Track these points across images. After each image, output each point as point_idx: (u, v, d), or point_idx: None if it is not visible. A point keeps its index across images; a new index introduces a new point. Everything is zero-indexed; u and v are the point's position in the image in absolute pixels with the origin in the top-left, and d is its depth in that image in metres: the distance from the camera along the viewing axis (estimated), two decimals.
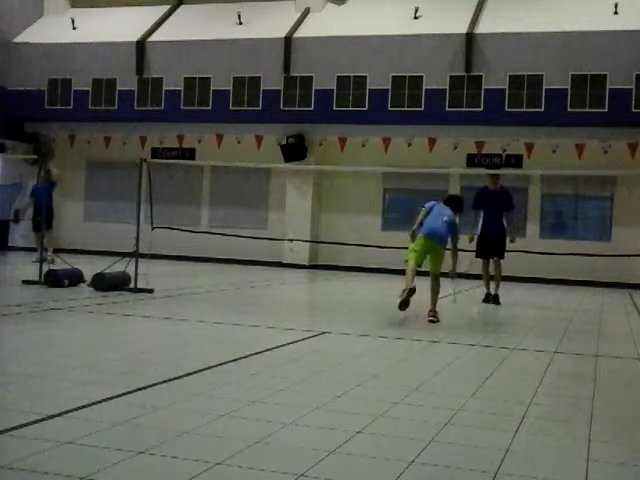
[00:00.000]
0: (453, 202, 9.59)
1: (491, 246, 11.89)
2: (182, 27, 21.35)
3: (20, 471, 3.12)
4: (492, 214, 11.80)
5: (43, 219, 13.71)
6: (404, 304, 8.72)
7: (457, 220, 9.35)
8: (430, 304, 9.03)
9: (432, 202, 9.51)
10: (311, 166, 19.23)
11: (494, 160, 19.03)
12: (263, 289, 13.82)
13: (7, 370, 5.22)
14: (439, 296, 9.26)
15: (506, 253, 12.13)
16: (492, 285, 12.01)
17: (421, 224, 9.26)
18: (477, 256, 12.07)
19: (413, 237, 9.17)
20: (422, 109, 18.66)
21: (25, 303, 9.15)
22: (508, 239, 11.79)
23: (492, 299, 11.85)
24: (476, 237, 11.97)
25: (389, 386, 5.27)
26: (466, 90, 18.39)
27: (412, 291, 8.77)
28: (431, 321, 8.89)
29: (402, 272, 8.81)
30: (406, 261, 9.08)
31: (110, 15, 22.38)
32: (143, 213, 11.54)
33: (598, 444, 3.96)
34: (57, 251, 15.26)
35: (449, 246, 9.23)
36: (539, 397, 5.07)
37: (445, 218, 9.09)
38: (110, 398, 4.40)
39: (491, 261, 12.10)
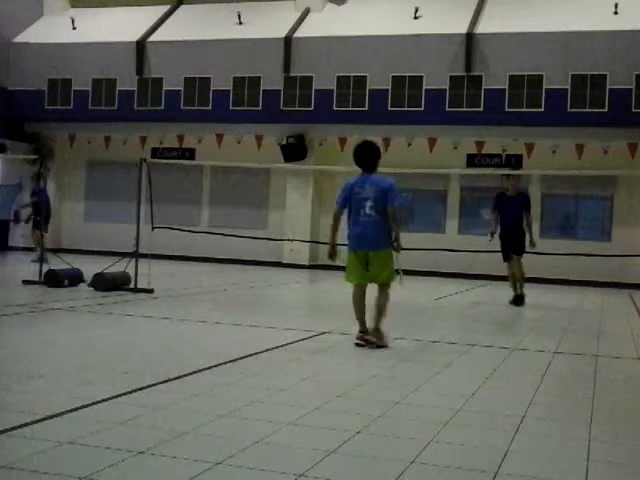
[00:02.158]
0: (365, 160, 6.96)
1: (509, 245, 12.03)
2: (182, 27, 21.36)
3: (20, 471, 3.12)
4: (510, 219, 11.91)
5: (44, 219, 13.72)
6: (361, 345, 6.84)
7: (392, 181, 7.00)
8: (374, 320, 6.95)
9: (347, 186, 6.96)
10: (311, 166, 19.23)
11: (494, 160, 19.04)
12: (263, 289, 13.82)
13: (7, 370, 5.22)
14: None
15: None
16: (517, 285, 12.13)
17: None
18: (504, 260, 12.15)
19: (332, 255, 7.05)
20: (422, 109, 18.66)
21: (25, 303, 9.15)
22: (528, 242, 11.82)
23: (518, 300, 11.87)
24: (496, 238, 12.07)
25: (389, 386, 5.27)
26: (466, 90, 18.39)
27: (365, 330, 6.90)
28: (360, 344, 6.79)
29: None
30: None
31: (110, 15, 22.39)
32: (143, 213, 11.54)
33: (598, 444, 3.96)
34: (52, 251, 15.24)
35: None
36: (539, 397, 5.06)
37: (369, 204, 6.80)
38: (110, 398, 4.40)
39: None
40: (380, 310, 6.96)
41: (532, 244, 11.82)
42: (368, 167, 6.92)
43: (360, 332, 6.88)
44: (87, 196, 22.48)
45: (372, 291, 7.07)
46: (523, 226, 11.99)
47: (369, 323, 6.93)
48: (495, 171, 17.61)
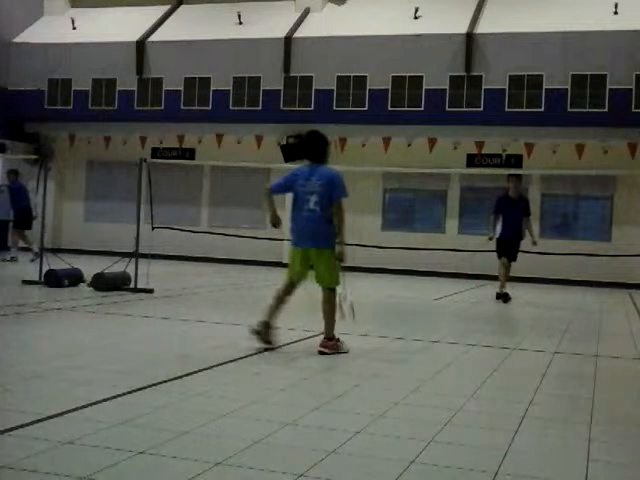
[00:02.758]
0: (312, 149, 6.56)
1: (507, 248, 12.43)
2: (182, 27, 21.36)
3: (20, 471, 3.12)
4: (511, 222, 12.29)
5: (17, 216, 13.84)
6: (264, 342, 6.41)
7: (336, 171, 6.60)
8: (324, 329, 6.58)
9: (292, 177, 6.52)
10: None
11: (494, 160, 19.04)
12: (263, 289, 13.81)
13: (7, 370, 5.22)
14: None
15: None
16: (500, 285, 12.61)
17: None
18: (499, 256, 12.56)
19: (276, 222, 6.59)
20: (422, 109, 18.66)
21: (25, 303, 9.15)
22: (531, 242, 12.21)
23: (503, 297, 12.38)
24: (495, 239, 12.47)
25: (389, 386, 5.27)
26: (466, 90, 18.39)
27: (267, 325, 6.50)
28: (322, 352, 6.36)
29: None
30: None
31: (110, 15, 22.39)
32: (143, 213, 11.54)
33: (598, 444, 3.96)
34: (52, 251, 15.26)
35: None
36: (539, 397, 5.06)
37: (314, 199, 6.33)
38: (110, 398, 4.40)
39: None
40: (327, 318, 6.54)
41: (534, 243, 12.15)
42: (316, 157, 6.49)
43: (259, 325, 6.42)
44: (87, 196, 22.48)
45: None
46: (522, 231, 12.37)
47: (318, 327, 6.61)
48: (495, 171, 17.65)
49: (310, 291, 7.08)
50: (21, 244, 16.74)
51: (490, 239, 12.35)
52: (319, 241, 6.40)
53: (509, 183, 12.50)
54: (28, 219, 16.21)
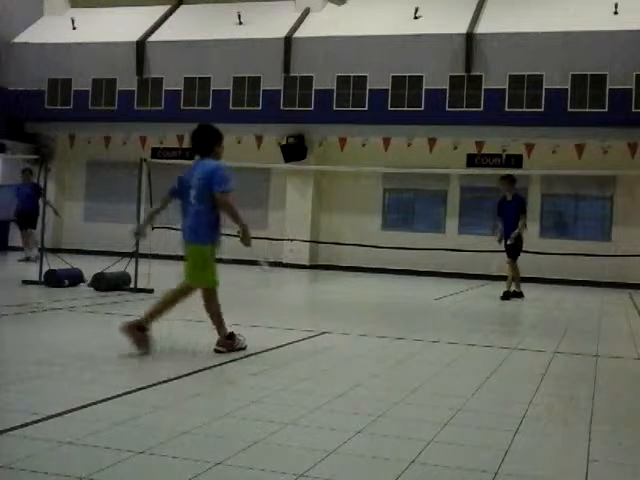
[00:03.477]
0: (197, 143, 6.31)
1: (505, 248, 12.81)
2: (182, 27, 21.36)
3: (20, 471, 3.12)
4: (507, 223, 12.67)
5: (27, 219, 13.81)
6: (140, 345, 5.93)
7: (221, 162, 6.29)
8: (214, 326, 6.30)
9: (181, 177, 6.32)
10: (311, 166, 19.23)
11: (494, 160, 19.04)
12: (263, 289, 13.82)
13: (7, 370, 5.22)
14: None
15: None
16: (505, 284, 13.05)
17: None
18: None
19: (139, 231, 6.75)
20: (422, 109, 18.66)
21: (25, 303, 9.15)
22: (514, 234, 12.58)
23: (505, 295, 12.70)
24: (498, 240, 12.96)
25: (389, 386, 5.27)
26: (466, 90, 18.39)
27: (140, 326, 5.99)
28: (218, 351, 6.15)
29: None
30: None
31: (110, 15, 22.38)
32: (143, 213, 11.53)
33: (598, 444, 3.96)
34: (52, 251, 15.27)
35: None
36: (539, 397, 5.06)
37: (193, 193, 6.11)
38: (110, 398, 4.40)
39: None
40: (212, 320, 6.28)
41: (514, 236, 12.43)
42: (201, 151, 6.24)
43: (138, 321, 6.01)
44: (87, 196, 22.48)
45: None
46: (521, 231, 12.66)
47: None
48: (495, 171, 17.63)
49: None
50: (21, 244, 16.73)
51: (499, 241, 12.79)
52: (191, 236, 6.15)
53: (499, 185, 12.99)
54: (33, 219, 16.10)
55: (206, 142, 6.25)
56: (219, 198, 6.04)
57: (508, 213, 12.61)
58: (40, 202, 15.78)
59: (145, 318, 6.02)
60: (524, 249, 12.92)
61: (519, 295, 12.81)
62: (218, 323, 6.25)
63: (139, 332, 5.93)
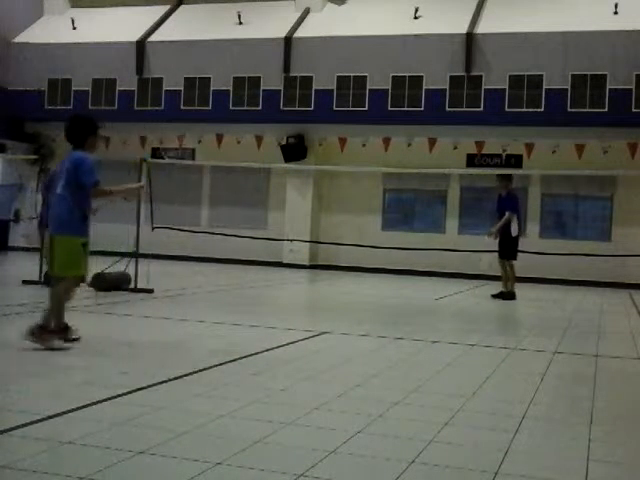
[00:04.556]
0: (70, 133, 6.30)
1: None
2: (182, 27, 21.36)
3: (20, 471, 3.12)
4: (499, 219, 12.82)
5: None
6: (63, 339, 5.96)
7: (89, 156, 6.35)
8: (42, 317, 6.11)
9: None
10: (311, 166, 19.23)
11: (494, 160, 19.05)
12: (263, 289, 13.82)
13: (7, 370, 5.22)
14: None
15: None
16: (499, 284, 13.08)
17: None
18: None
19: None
20: (422, 109, 18.66)
21: (25, 303, 9.14)
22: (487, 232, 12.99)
23: (500, 295, 12.72)
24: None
25: (389, 386, 5.27)
26: (466, 90, 18.39)
27: (65, 330, 6.04)
28: (32, 341, 5.89)
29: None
30: None
31: (110, 15, 22.39)
32: (143, 213, 11.54)
33: (598, 444, 3.96)
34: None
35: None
36: (539, 397, 5.06)
37: (61, 182, 6.19)
38: (110, 398, 4.40)
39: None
40: (52, 306, 6.09)
41: (492, 230, 12.71)
42: (74, 142, 6.24)
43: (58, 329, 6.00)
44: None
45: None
46: (510, 230, 12.62)
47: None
48: (495, 171, 17.63)
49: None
50: (26, 244, 16.67)
51: (489, 236, 12.90)
52: (54, 225, 6.22)
53: (496, 183, 13.24)
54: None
55: (79, 133, 6.24)
56: (92, 193, 6.28)
57: (500, 210, 12.83)
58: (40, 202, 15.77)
59: (47, 320, 6.00)
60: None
61: (507, 296, 12.59)
62: (54, 313, 6.07)
63: (47, 334, 5.89)
